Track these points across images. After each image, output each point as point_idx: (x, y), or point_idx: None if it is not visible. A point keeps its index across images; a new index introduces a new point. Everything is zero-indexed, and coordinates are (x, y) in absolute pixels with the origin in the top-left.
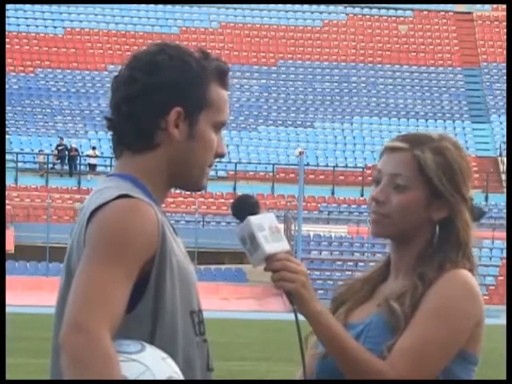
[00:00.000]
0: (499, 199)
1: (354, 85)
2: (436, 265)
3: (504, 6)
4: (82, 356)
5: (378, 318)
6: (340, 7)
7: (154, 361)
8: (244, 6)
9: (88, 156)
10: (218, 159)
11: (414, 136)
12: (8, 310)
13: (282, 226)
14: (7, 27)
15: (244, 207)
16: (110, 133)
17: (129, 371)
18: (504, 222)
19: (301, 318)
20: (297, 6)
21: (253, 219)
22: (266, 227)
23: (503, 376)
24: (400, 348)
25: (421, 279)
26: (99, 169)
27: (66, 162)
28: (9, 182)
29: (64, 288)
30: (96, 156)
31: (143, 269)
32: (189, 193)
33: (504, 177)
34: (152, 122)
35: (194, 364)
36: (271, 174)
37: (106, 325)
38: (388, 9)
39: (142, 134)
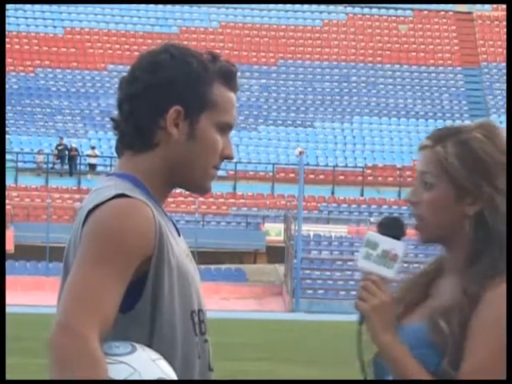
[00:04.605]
0: None
1: (354, 85)
2: (481, 274)
3: (504, 6)
4: (68, 357)
5: (419, 331)
6: (340, 7)
7: (143, 363)
8: (244, 5)
9: (88, 156)
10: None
11: (439, 132)
12: (8, 310)
13: (401, 255)
14: (7, 27)
15: (388, 228)
16: (109, 133)
17: (116, 373)
18: None
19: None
20: (297, 6)
21: (369, 235)
22: (381, 248)
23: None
24: (470, 371)
25: (468, 298)
26: (99, 169)
27: (66, 161)
28: (9, 181)
29: (62, 287)
30: (96, 156)
31: (140, 269)
32: (189, 192)
33: None
34: (151, 120)
35: (193, 364)
36: (271, 173)
37: (94, 326)
38: (388, 9)
39: (142, 133)
